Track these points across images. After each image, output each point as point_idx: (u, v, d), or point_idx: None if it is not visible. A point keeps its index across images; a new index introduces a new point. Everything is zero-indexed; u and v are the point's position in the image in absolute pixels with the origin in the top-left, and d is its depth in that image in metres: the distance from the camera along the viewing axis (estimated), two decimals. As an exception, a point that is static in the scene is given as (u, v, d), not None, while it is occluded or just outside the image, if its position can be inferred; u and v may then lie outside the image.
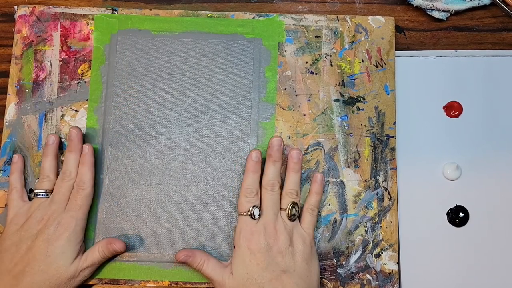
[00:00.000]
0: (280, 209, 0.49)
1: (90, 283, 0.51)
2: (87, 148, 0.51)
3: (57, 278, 0.46)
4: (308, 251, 0.48)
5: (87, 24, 0.55)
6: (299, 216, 0.50)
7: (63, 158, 0.52)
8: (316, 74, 0.55)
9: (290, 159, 0.51)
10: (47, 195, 0.50)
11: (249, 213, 0.48)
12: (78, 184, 0.50)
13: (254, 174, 0.49)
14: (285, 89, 0.55)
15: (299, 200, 0.50)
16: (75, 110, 0.54)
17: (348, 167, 0.53)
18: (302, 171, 0.53)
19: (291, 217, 0.49)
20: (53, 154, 0.51)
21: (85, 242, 0.51)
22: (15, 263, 0.46)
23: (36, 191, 0.50)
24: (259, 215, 0.48)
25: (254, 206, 0.48)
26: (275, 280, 0.46)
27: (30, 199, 0.51)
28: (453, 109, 0.55)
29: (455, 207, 0.53)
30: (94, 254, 0.49)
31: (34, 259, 0.46)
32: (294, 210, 0.49)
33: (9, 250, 0.47)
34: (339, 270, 0.52)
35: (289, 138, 0.54)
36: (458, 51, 0.56)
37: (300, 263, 0.47)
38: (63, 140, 0.53)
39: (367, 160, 0.53)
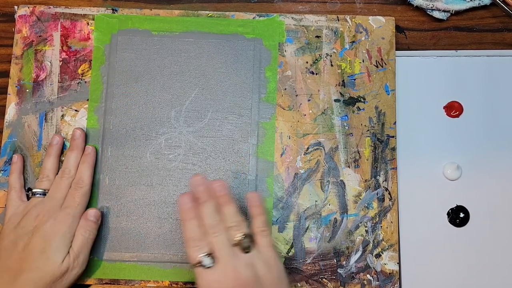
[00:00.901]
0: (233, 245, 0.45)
1: (90, 283, 0.51)
2: (90, 148, 0.52)
3: (51, 275, 0.46)
4: (275, 275, 0.45)
5: (88, 24, 0.55)
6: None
7: (64, 159, 0.52)
8: (316, 74, 0.55)
9: (214, 195, 0.46)
10: (45, 194, 0.50)
11: (202, 264, 0.43)
12: (76, 182, 0.50)
13: (192, 220, 0.45)
14: (285, 89, 0.54)
15: (245, 226, 0.46)
16: (76, 110, 0.54)
17: (349, 167, 0.53)
18: (302, 171, 0.53)
19: (245, 250, 0.44)
20: (56, 155, 0.52)
21: (85, 242, 0.51)
22: (13, 260, 0.46)
23: (34, 190, 0.50)
24: (212, 261, 0.43)
25: (204, 254, 0.44)
26: None
27: (28, 198, 0.51)
28: (453, 109, 0.55)
29: (455, 207, 0.53)
30: (78, 240, 0.48)
31: (30, 256, 0.46)
32: (245, 242, 0.44)
33: (7, 248, 0.47)
34: (340, 270, 0.52)
35: (289, 138, 0.54)
36: (458, 51, 0.56)
37: None
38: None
39: (367, 160, 0.53)
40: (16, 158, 0.52)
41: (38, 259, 0.46)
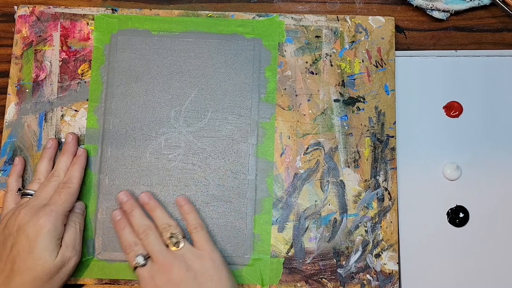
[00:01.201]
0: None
1: (90, 283, 0.51)
2: (81, 151, 0.52)
3: (46, 274, 0.46)
4: (209, 267, 0.47)
5: (87, 24, 0.55)
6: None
7: None
8: (316, 74, 0.55)
9: (144, 204, 0.51)
10: None
11: (136, 264, 0.47)
12: (65, 182, 0.50)
13: (125, 229, 0.49)
14: (285, 89, 0.55)
15: (175, 226, 0.49)
16: (75, 110, 0.54)
17: (348, 167, 0.53)
18: (302, 171, 0.53)
19: (176, 245, 0.48)
20: (49, 158, 0.52)
21: (85, 242, 0.51)
22: (4, 262, 0.46)
23: (23, 190, 0.50)
24: (145, 259, 0.47)
25: (137, 255, 0.47)
26: None
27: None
28: (453, 109, 0.55)
29: (455, 207, 0.53)
30: (70, 231, 0.49)
31: (19, 257, 0.46)
32: (173, 239, 0.48)
33: None
34: (339, 270, 0.52)
35: (289, 138, 0.54)
36: (458, 51, 0.56)
37: (205, 283, 0.46)
38: (62, 140, 0.53)
39: (367, 160, 0.53)
40: (18, 160, 0.52)
41: (27, 260, 0.46)
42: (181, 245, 0.48)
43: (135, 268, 0.47)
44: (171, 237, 0.48)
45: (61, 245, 0.48)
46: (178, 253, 0.47)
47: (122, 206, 0.51)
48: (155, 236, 0.48)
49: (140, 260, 0.47)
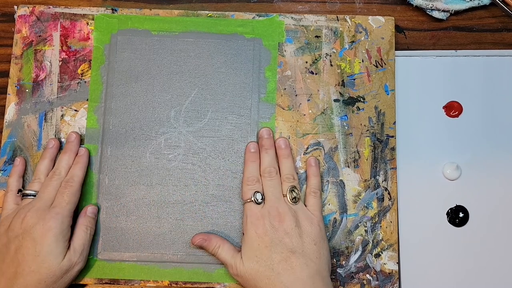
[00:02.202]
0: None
1: (90, 282, 0.51)
2: (83, 150, 0.52)
3: (51, 277, 0.46)
4: (316, 232, 0.49)
5: (87, 24, 0.55)
6: (304, 200, 0.51)
7: None
8: (316, 74, 0.55)
9: (278, 148, 0.52)
10: (36, 196, 0.50)
11: (252, 199, 0.49)
12: (66, 181, 0.50)
13: (253, 163, 0.51)
14: (285, 89, 0.55)
15: (298, 183, 0.51)
16: (75, 110, 0.54)
17: (348, 167, 0.53)
18: (302, 171, 0.53)
19: (293, 200, 0.49)
20: (50, 158, 0.52)
21: (85, 242, 0.51)
22: (7, 264, 0.46)
23: (24, 191, 0.50)
24: (262, 199, 0.49)
25: (256, 192, 0.49)
26: (284, 261, 0.46)
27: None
28: (453, 109, 0.55)
29: (455, 207, 0.54)
30: (80, 236, 0.49)
31: (24, 260, 0.46)
32: (294, 193, 0.50)
33: (0, 252, 0.47)
34: (339, 270, 0.52)
35: (289, 138, 0.54)
36: (458, 51, 0.56)
37: (308, 244, 0.48)
38: (62, 140, 0.53)
39: (367, 160, 0.53)
40: (19, 161, 0.52)
41: (32, 263, 0.46)
42: (297, 201, 0.50)
43: (247, 201, 0.49)
44: (292, 190, 0.50)
45: (69, 248, 0.48)
46: (292, 207, 0.49)
47: (261, 141, 0.52)
48: (278, 182, 0.50)
49: (259, 197, 0.49)
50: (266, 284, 0.46)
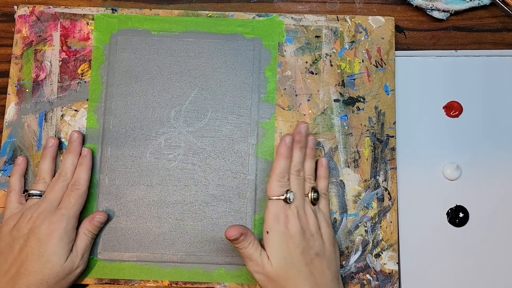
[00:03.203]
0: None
1: (90, 282, 0.51)
2: (86, 150, 0.52)
3: (54, 277, 0.46)
4: (332, 234, 0.49)
5: (87, 24, 0.55)
6: None
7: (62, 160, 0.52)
8: (316, 74, 0.55)
9: (307, 146, 0.51)
10: (41, 196, 0.50)
11: (284, 197, 0.48)
12: (73, 184, 0.50)
13: (287, 159, 0.49)
14: (285, 89, 0.55)
15: (316, 185, 0.51)
16: (75, 110, 0.54)
17: (348, 167, 0.53)
18: (302, 171, 0.53)
19: (313, 202, 0.49)
20: (51, 157, 0.52)
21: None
22: (10, 264, 0.46)
23: (30, 191, 0.50)
24: (293, 199, 0.48)
25: (288, 190, 0.48)
26: (310, 264, 0.46)
27: (26, 200, 0.51)
28: (453, 109, 0.55)
29: (455, 207, 0.53)
30: (83, 240, 0.49)
31: (27, 260, 0.46)
32: (315, 194, 0.49)
33: (3, 251, 0.47)
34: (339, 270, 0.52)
35: (289, 138, 0.54)
36: (458, 51, 0.56)
37: (328, 246, 0.48)
38: (62, 140, 0.53)
39: (367, 160, 0.53)
40: (21, 160, 0.52)
41: (36, 263, 0.46)
42: (316, 203, 0.50)
43: (275, 198, 0.48)
44: (314, 191, 0.49)
45: (71, 251, 0.48)
46: (313, 208, 0.49)
47: (297, 136, 0.50)
48: (303, 182, 0.50)
49: (291, 197, 0.48)
50: (292, 286, 0.45)
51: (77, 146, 0.52)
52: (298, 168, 0.49)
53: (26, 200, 0.50)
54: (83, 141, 0.53)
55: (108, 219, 0.52)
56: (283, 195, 0.48)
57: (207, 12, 0.56)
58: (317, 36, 0.55)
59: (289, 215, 0.47)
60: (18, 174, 0.52)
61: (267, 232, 0.47)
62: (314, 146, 0.52)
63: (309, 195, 0.49)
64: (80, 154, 0.52)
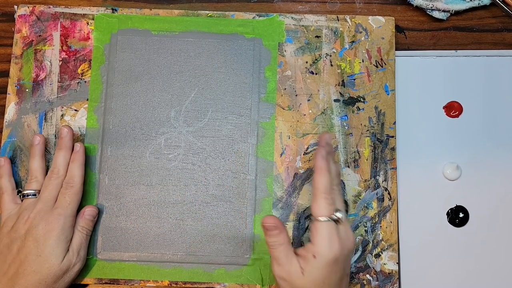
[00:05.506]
0: None
1: (89, 282, 0.51)
2: (78, 146, 0.51)
3: (52, 277, 0.46)
4: (353, 243, 0.47)
5: (87, 23, 0.55)
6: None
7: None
8: (316, 74, 0.55)
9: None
10: (36, 195, 0.50)
11: (335, 217, 0.44)
12: (67, 182, 0.50)
13: (328, 173, 0.46)
14: (285, 89, 0.55)
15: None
16: (75, 110, 0.54)
17: (348, 167, 0.53)
18: (302, 171, 0.53)
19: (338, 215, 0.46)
20: (40, 154, 0.51)
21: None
22: (9, 264, 0.46)
23: (24, 192, 0.50)
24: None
25: (338, 209, 0.44)
26: (340, 282, 0.45)
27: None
28: (453, 109, 0.55)
29: (455, 207, 0.53)
30: (77, 237, 0.49)
31: (26, 260, 0.46)
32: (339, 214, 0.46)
33: (2, 252, 0.47)
34: (339, 270, 0.52)
35: (289, 138, 0.54)
36: (458, 51, 0.56)
37: (349, 262, 0.46)
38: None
39: (367, 160, 0.53)
40: (3, 161, 0.52)
41: (34, 263, 0.46)
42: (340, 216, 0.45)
43: (325, 220, 0.44)
44: (337, 211, 0.45)
45: (68, 250, 0.48)
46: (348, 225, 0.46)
47: (327, 147, 0.47)
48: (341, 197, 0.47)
49: (340, 215, 0.44)
50: None
51: (67, 142, 0.51)
52: (338, 182, 0.47)
53: (22, 201, 0.50)
54: (77, 140, 0.52)
55: (108, 219, 0.52)
56: (332, 214, 0.44)
57: (207, 12, 0.56)
58: (317, 36, 0.55)
59: (339, 239, 0.44)
60: (6, 175, 0.51)
61: (314, 257, 0.43)
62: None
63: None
64: (73, 150, 0.51)
